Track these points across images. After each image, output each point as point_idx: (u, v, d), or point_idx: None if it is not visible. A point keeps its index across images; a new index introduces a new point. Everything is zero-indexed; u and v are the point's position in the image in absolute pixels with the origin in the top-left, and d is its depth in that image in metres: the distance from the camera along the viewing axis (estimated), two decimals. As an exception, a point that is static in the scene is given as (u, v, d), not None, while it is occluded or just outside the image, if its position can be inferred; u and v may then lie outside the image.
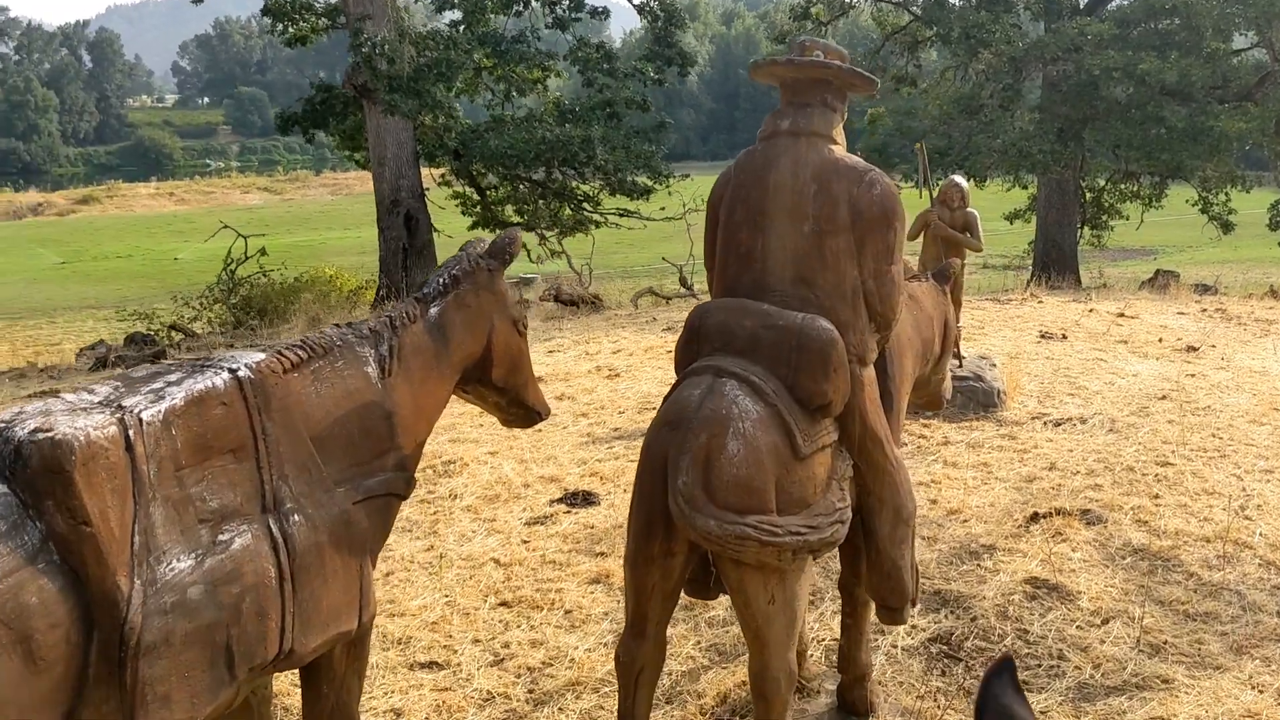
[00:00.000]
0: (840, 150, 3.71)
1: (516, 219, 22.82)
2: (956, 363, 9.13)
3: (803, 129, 3.69)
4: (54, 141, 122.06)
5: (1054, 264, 24.64)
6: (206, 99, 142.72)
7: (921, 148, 9.29)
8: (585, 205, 21.23)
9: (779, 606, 3.35)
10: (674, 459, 3.25)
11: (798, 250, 3.62)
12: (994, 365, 9.36)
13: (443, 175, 22.22)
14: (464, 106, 24.10)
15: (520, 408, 3.83)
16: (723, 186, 3.84)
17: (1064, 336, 12.05)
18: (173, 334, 18.34)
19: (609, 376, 10.48)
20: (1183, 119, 20.50)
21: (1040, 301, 14.99)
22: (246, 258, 20.98)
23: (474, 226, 23.41)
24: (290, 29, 20.02)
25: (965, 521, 6.38)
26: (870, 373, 3.72)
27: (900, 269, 3.72)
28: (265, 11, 20.35)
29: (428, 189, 21.78)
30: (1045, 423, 8.58)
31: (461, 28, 18.44)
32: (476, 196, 22.58)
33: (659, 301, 17.42)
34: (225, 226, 21.30)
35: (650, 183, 20.08)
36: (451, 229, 24.25)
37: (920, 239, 9.40)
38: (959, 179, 9.23)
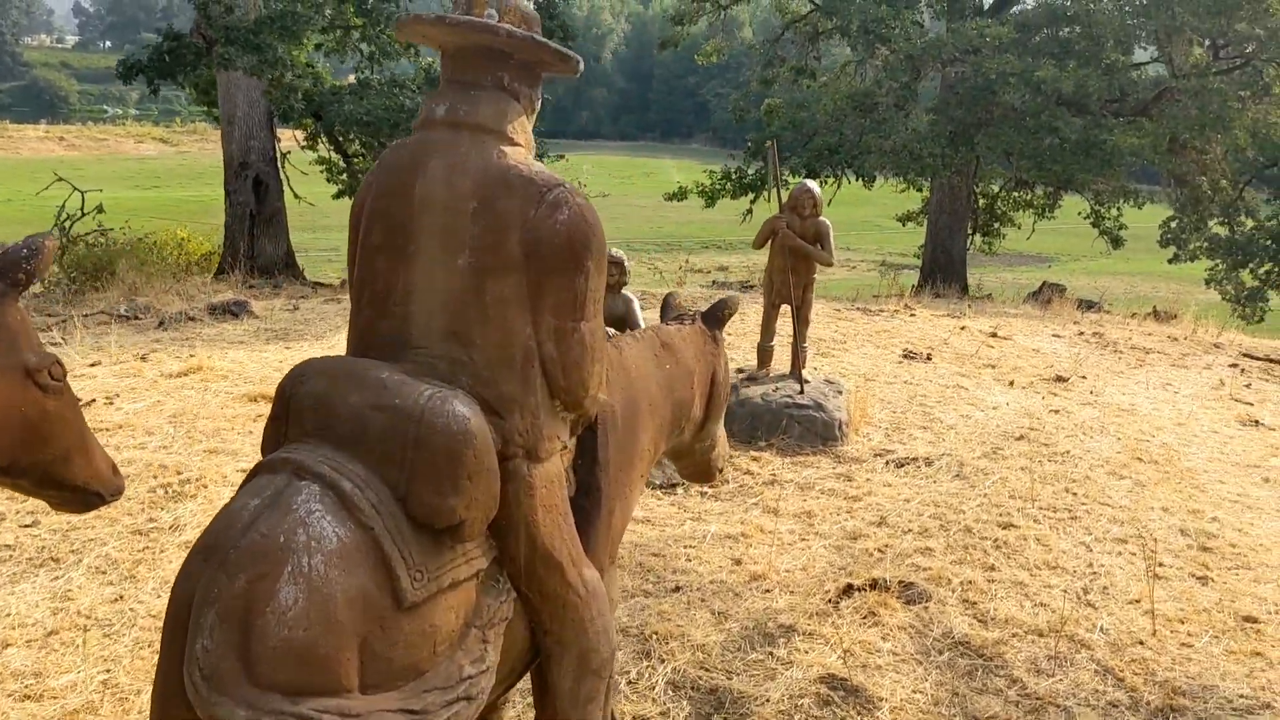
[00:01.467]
0: (519, 155, 2.64)
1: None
2: (798, 388, 8.20)
3: (464, 119, 2.62)
4: None
5: (942, 269, 24.10)
6: (109, 43, 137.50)
7: (773, 145, 8.31)
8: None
9: None
10: (197, 609, 2.16)
11: (450, 292, 2.54)
12: (840, 392, 8.43)
13: (307, 138, 20.78)
14: (338, 68, 22.67)
15: (59, 489, 2.69)
16: (364, 192, 2.74)
17: (929, 357, 11.22)
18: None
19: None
20: (1076, 130, 19.95)
21: (912, 314, 14.19)
22: (83, 214, 19.33)
23: (339, 195, 22.06)
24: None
25: (768, 591, 5.40)
26: (549, 470, 2.64)
27: (595, 326, 2.66)
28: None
29: (288, 152, 20.34)
30: (888, 462, 7.67)
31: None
32: (342, 163, 21.20)
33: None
34: (60, 179, 19.58)
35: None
36: (316, 195, 22.82)
37: (767, 249, 8.42)
38: (811, 184, 8.26)
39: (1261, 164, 24.90)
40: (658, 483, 6.88)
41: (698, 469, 3.93)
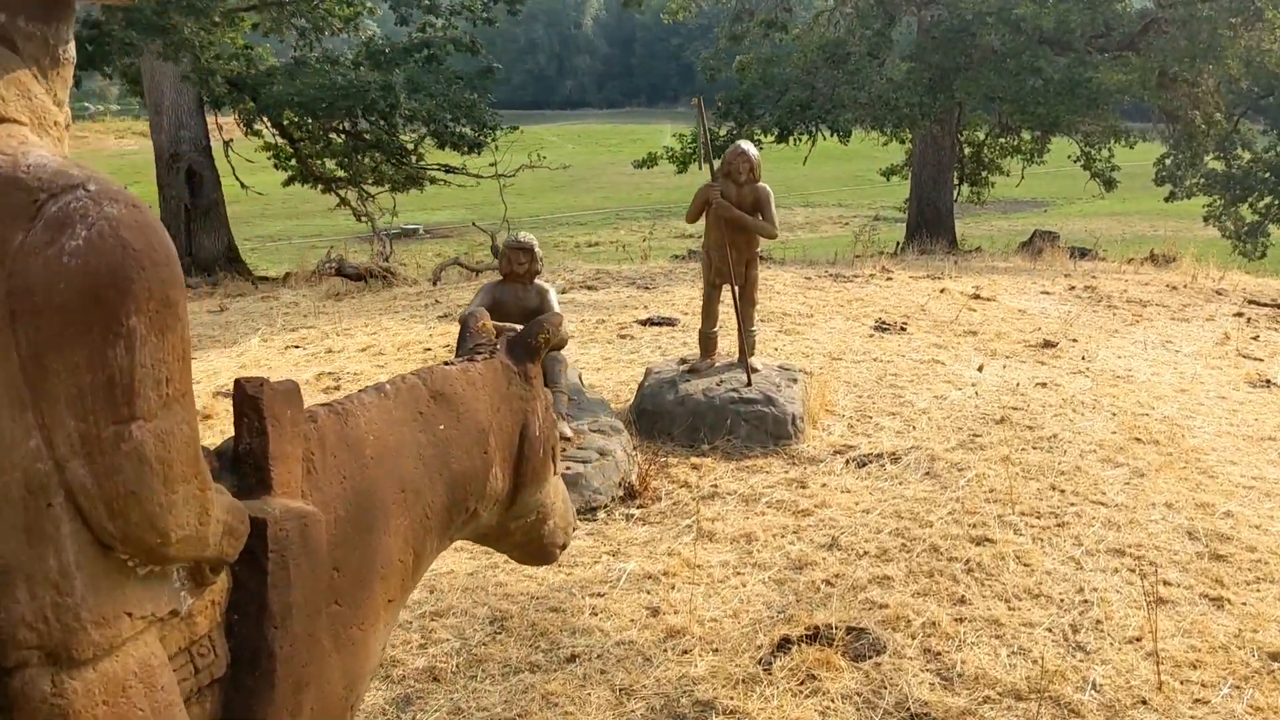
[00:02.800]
0: (24, 138, 1.59)
1: (340, 173, 20.48)
2: (744, 380, 7.18)
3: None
4: None
5: (929, 224, 23.03)
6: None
7: (699, 104, 7.24)
8: (405, 159, 18.87)
9: None
10: None
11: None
12: (794, 380, 7.40)
13: (249, 125, 19.66)
14: (276, 47, 21.50)
15: None
16: None
17: (903, 328, 10.19)
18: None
19: (329, 388, 8.32)
20: (1060, 70, 18.83)
21: (889, 278, 13.13)
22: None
23: (289, 182, 21.04)
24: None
25: (686, 653, 4.40)
26: (114, 672, 1.56)
27: (170, 424, 1.58)
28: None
29: (230, 140, 19.26)
30: (848, 461, 6.66)
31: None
32: (290, 149, 20.12)
33: (466, 275, 15.20)
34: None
35: (474, 134, 17.77)
36: (263, 184, 21.76)
37: (702, 222, 7.37)
38: (747, 145, 7.17)
39: (1256, 94, 23.84)
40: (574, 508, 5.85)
41: (526, 551, 2.91)
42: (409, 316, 11.16)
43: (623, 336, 9.86)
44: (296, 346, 10.06)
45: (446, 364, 2.52)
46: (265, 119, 17.99)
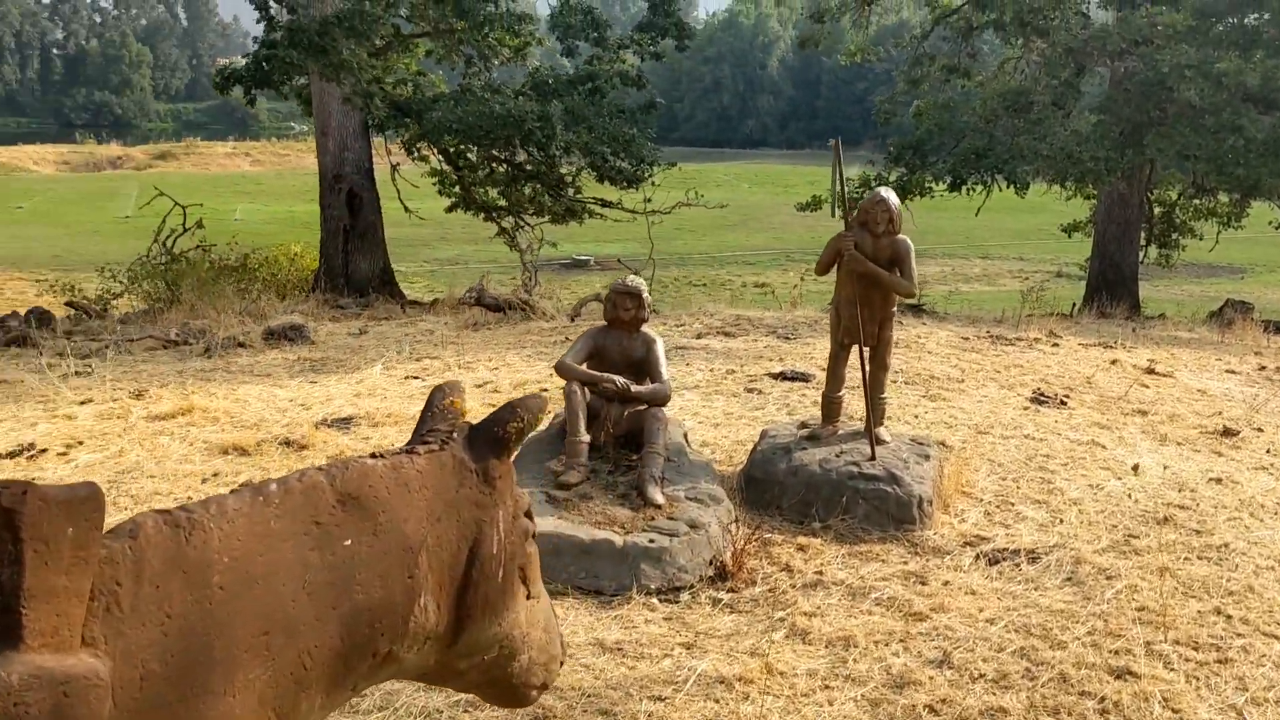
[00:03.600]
0: None
1: (501, 202, 20.45)
2: (868, 452, 6.47)
3: None
4: (146, 96, 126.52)
5: (1110, 285, 21.66)
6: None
7: (837, 145, 6.57)
8: (563, 191, 18.66)
9: None
10: None
11: None
12: (927, 456, 6.63)
13: (418, 150, 19.79)
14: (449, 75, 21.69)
15: None
16: None
17: (1063, 401, 9.23)
18: (69, 309, 16.15)
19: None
20: (1264, 130, 17.32)
21: (1055, 344, 12.09)
22: (185, 230, 18.79)
23: (452, 208, 21.12)
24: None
25: (746, 783, 3.74)
26: None
27: None
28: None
29: (397, 165, 19.43)
30: (978, 555, 5.86)
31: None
32: (454, 176, 20.18)
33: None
34: (160, 194, 19.07)
35: (632, 169, 17.41)
36: (427, 210, 21.93)
37: (834, 274, 6.69)
38: (887, 194, 6.48)
39: None
40: (653, 586, 5.25)
41: (491, 693, 2.32)
42: (534, 353, 10.76)
43: (750, 390, 9.21)
44: (416, 378, 9.75)
45: (375, 455, 1.96)
46: (430, 145, 18.04)
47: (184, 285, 15.42)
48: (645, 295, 6.33)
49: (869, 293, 6.52)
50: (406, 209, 20.14)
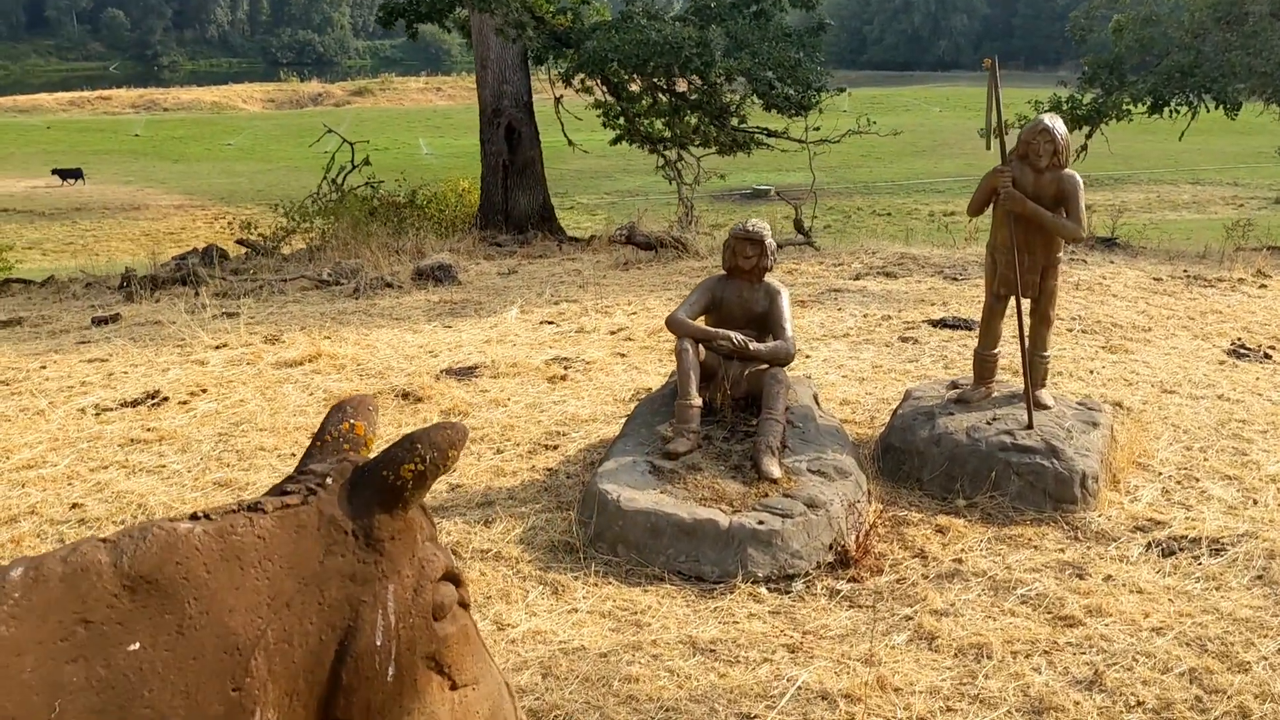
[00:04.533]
0: None
1: (666, 134, 19.82)
2: (1025, 419, 5.70)
3: None
4: (345, 34, 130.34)
5: (1335, 215, 19.59)
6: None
7: (993, 66, 5.70)
8: (727, 120, 17.86)
9: None
10: None
11: None
12: (1094, 424, 5.78)
13: (581, 81, 19.31)
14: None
15: None
16: None
17: (1267, 355, 8.11)
18: (241, 247, 16.37)
19: (554, 377, 7.48)
20: None
21: (1263, 285, 10.77)
22: (354, 166, 18.87)
23: (616, 140, 20.61)
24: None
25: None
26: None
27: None
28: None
29: (560, 96, 18.99)
30: (1150, 544, 5.04)
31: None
32: (618, 107, 19.62)
33: (766, 249, 13.93)
34: (329, 130, 19.18)
35: (798, 95, 16.46)
36: (592, 143, 21.48)
37: (991, 214, 5.86)
38: (1052, 121, 5.58)
39: None
40: (761, 574, 4.66)
41: None
42: (678, 296, 10.17)
43: (905, 339, 8.42)
44: (550, 323, 9.33)
45: (197, 516, 1.44)
46: (590, 76, 17.50)
47: (340, 224, 15.40)
48: (769, 241, 5.67)
49: (1029, 237, 5.67)
50: (570, 142, 19.77)
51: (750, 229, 5.68)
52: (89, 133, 53.59)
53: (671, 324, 5.66)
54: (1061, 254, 5.88)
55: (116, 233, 29.26)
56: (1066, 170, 5.60)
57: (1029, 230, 5.67)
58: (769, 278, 5.74)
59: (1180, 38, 18.15)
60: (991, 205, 5.76)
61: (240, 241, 16.46)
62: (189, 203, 34.23)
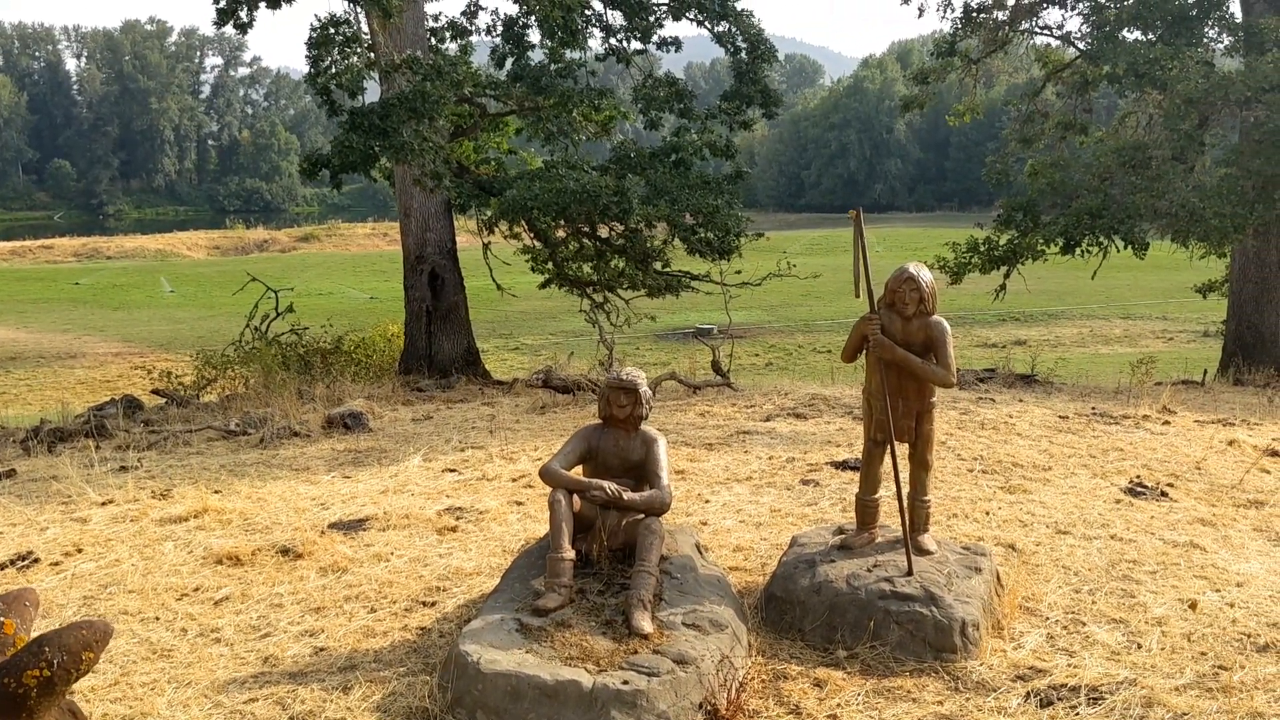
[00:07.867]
0: None
1: (593, 277, 20.03)
2: (904, 565, 5.62)
3: None
4: (294, 182, 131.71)
5: (1248, 349, 20.13)
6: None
7: (857, 217, 5.81)
8: (650, 264, 18.11)
9: None
10: None
11: None
12: (976, 570, 5.73)
13: (509, 228, 19.57)
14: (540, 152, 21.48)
15: None
16: None
17: (1164, 493, 8.15)
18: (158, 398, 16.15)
19: (444, 529, 7.32)
20: None
21: (1167, 421, 10.91)
22: (278, 314, 18.86)
23: (545, 284, 20.82)
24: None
25: None
26: None
27: None
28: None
29: (488, 243, 19.20)
30: (1029, 694, 4.93)
31: (453, 52, 15.69)
32: (546, 251, 19.86)
33: (684, 393, 13.99)
34: (253, 279, 19.22)
35: (718, 240, 16.77)
36: (522, 287, 21.66)
37: (865, 360, 5.89)
38: (916, 269, 5.68)
39: None
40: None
41: None
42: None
43: (807, 482, 8.38)
44: (453, 470, 9.21)
45: None
46: (513, 222, 17.73)
47: (251, 371, 15.29)
48: (643, 390, 5.65)
49: (902, 382, 5.71)
50: (499, 287, 19.93)
51: (624, 378, 5.66)
52: (28, 282, 53.26)
53: (545, 475, 5.57)
54: (934, 399, 5.90)
55: (51, 381, 28.81)
56: (934, 317, 5.67)
57: (901, 376, 5.71)
58: (645, 426, 5.71)
59: (1089, 181, 18.78)
60: (864, 352, 5.79)
61: (156, 391, 16.24)
62: (127, 350, 33.89)
